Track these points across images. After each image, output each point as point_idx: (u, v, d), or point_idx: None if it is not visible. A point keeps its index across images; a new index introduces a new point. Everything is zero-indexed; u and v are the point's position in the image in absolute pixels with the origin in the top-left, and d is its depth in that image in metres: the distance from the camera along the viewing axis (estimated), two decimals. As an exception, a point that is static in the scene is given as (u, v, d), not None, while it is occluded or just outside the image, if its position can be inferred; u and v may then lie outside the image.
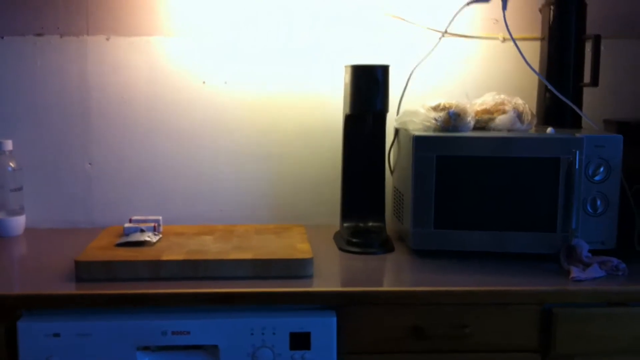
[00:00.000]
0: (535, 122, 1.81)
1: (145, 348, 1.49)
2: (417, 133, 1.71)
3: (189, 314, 1.50)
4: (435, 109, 1.77)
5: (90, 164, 2.02)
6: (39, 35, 1.98)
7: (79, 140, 2.02)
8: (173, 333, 1.48)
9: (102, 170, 2.03)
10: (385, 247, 1.80)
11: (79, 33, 1.99)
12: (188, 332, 1.48)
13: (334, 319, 1.50)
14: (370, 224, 1.87)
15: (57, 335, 1.47)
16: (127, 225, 1.79)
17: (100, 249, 1.66)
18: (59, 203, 2.03)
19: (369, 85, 1.80)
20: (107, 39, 2.00)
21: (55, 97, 2.01)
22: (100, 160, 2.03)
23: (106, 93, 2.01)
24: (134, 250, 1.66)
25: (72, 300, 1.49)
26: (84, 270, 1.55)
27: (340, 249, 1.81)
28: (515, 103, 1.79)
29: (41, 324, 1.47)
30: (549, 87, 1.86)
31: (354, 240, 1.80)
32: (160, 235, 1.78)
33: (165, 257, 1.59)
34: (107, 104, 2.02)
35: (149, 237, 1.73)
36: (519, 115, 1.77)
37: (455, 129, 1.74)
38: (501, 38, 2.03)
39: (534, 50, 1.95)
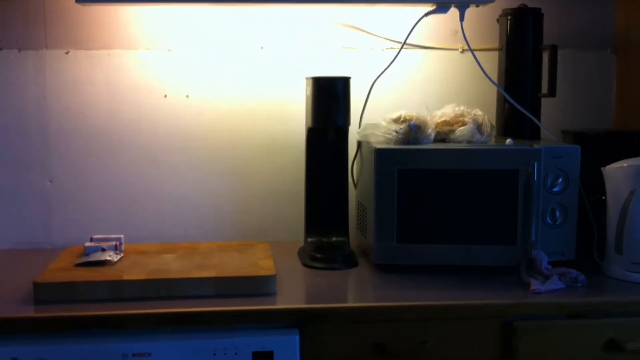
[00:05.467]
0: (494, 133, 1.83)
1: (106, 371, 1.47)
2: (378, 146, 1.72)
3: (150, 335, 1.48)
4: (396, 121, 1.78)
5: (50, 181, 2.00)
6: (-3, 49, 1.96)
7: (38, 157, 1.99)
8: (134, 355, 1.46)
9: (63, 187, 2.00)
10: (349, 262, 1.80)
11: (38, 47, 1.97)
12: (149, 354, 1.47)
13: (297, 337, 1.50)
14: (334, 239, 1.87)
15: (15, 360, 1.45)
16: (87, 244, 1.77)
17: (59, 270, 1.64)
18: (19, 223, 2.00)
19: (330, 97, 1.80)
20: (67, 53, 1.97)
21: (14, 112, 1.97)
22: (60, 177, 2.00)
23: (66, 108, 1.99)
24: (94, 270, 1.64)
25: (30, 323, 1.47)
26: (43, 292, 1.53)
27: (304, 264, 1.81)
28: (474, 114, 1.81)
29: (-1, 348, 1.45)
30: (507, 97, 1.88)
31: (318, 255, 1.80)
32: (122, 254, 1.76)
33: (126, 277, 1.57)
34: (67, 119, 1.99)
35: (110, 256, 1.71)
36: (479, 127, 1.79)
37: (416, 141, 1.75)
38: (460, 49, 2.05)
39: (492, 61, 1.97)
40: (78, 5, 1.88)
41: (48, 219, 2.01)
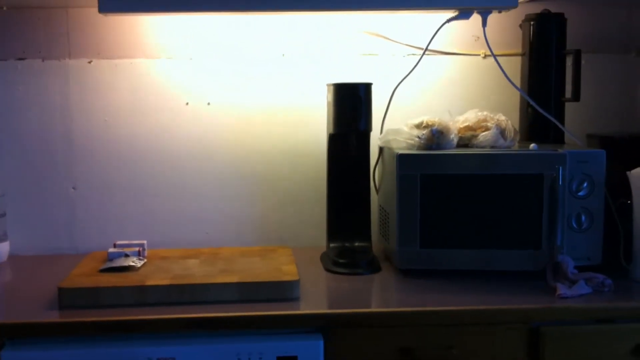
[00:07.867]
0: (518, 138, 1.81)
1: (130, 376, 1.47)
2: (400, 151, 1.71)
3: (175, 340, 1.48)
4: (419, 126, 1.77)
5: (74, 188, 2.01)
6: (21, 59, 1.97)
7: (62, 164, 2.00)
8: (158, 359, 1.47)
9: (86, 194, 2.01)
10: (372, 267, 1.79)
11: (61, 56, 1.98)
12: (174, 359, 1.47)
13: (321, 342, 1.49)
14: (356, 244, 1.86)
15: (40, 364, 1.45)
16: (111, 250, 1.78)
17: (84, 275, 1.64)
18: (43, 229, 2.01)
19: (352, 104, 1.80)
20: (90, 62, 1.99)
21: (38, 121, 1.99)
22: (83, 184, 2.01)
23: (89, 116, 2.00)
24: (118, 275, 1.64)
25: (55, 328, 1.47)
26: (67, 298, 1.54)
27: (327, 269, 1.80)
28: (497, 119, 1.80)
29: (25, 353, 1.45)
30: (531, 102, 1.87)
31: (340, 260, 1.79)
32: (145, 260, 1.77)
33: (150, 282, 1.58)
34: (90, 127, 2.00)
35: (133, 262, 1.72)
36: (502, 132, 1.78)
37: (438, 146, 1.74)
38: (482, 54, 2.04)
39: (515, 66, 1.96)
40: (101, 15, 1.87)
41: (71, 225, 2.02)
